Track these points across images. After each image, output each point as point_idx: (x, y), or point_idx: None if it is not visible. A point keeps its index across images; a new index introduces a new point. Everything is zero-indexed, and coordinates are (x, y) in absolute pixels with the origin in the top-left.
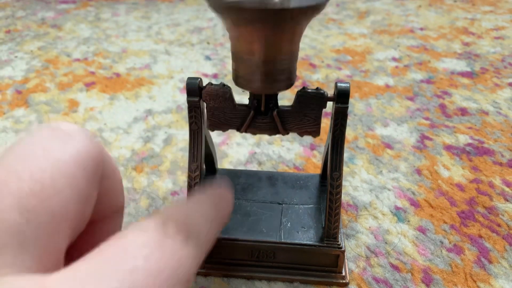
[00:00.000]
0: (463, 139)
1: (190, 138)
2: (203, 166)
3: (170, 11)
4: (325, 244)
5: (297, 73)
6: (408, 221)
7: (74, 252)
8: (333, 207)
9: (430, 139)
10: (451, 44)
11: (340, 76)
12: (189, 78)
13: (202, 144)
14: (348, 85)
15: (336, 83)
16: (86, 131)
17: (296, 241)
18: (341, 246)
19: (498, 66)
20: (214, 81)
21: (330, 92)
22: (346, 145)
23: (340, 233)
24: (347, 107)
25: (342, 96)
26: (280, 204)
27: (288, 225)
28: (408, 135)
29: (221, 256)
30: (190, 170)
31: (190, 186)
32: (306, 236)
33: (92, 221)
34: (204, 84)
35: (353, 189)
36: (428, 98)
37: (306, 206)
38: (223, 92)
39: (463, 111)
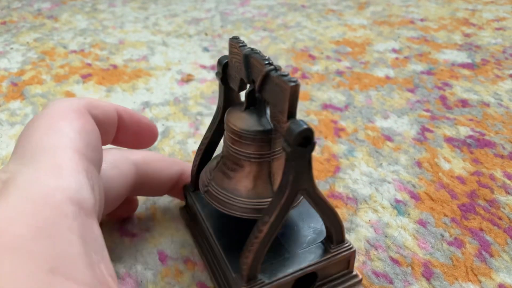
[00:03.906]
0: (464, 131)
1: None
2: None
3: (168, 1)
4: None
5: (296, 64)
6: (408, 214)
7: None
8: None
9: (431, 131)
10: (451, 35)
11: (340, 68)
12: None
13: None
14: (309, 128)
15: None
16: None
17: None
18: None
19: (499, 58)
20: (212, 73)
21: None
22: (346, 137)
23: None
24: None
25: (297, 139)
26: None
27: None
28: (408, 127)
29: None
30: (204, 137)
31: (200, 150)
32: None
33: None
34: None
35: (352, 182)
36: (428, 90)
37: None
38: None
39: (464, 103)
